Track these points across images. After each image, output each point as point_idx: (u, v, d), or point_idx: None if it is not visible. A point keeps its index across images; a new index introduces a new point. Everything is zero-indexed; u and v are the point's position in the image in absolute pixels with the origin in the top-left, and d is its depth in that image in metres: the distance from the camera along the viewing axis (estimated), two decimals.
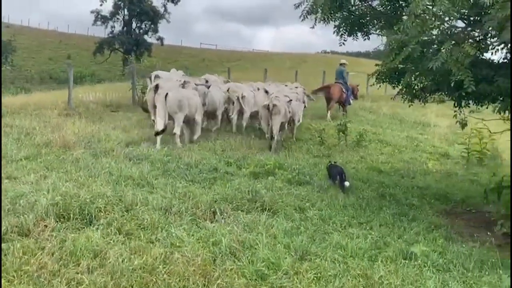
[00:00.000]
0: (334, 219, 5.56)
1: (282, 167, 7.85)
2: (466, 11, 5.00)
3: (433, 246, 4.81)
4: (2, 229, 4.24)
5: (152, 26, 44.37)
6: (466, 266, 4.37)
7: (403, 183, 8.09)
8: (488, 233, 5.57)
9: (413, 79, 6.03)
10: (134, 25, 44.28)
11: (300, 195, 6.50)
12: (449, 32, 5.21)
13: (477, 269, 4.31)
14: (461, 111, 6.60)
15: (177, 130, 9.09)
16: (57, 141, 7.89)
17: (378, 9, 7.27)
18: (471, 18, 5.34)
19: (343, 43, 7.49)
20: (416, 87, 6.86)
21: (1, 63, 36.58)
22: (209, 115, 11.04)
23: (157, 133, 8.82)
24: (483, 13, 4.80)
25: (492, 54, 5.29)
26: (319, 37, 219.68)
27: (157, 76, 12.03)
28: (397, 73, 7.19)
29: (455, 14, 4.74)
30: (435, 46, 5.33)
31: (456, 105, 6.57)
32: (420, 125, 17.72)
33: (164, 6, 44.32)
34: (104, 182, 6.05)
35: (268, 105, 9.57)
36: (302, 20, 7.52)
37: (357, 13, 7.21)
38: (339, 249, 4.57)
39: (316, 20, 7.59)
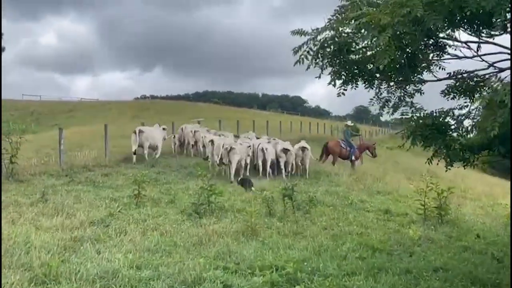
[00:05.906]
0: None
1: (302, 269, 5.99)
2: None
3: None
4: None
5: None
6: None
7: (423, 267, 6.83)
8: None
9: None
10: None
11: None
12: None
13: None
14: None
15: None
16: None
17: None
18: None
19: (343, 93, 6.37)
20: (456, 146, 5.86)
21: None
22: None
23: None
24: None
25: None
26: (136, 82, 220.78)
27: (141, 131, 14.91)
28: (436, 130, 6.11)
29: None
30: None
31: None
32: (323, 175, 16.91)
33: None
34: None
35: None
36: (308, 67, 6.17)
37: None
38: None
39: (322, 69, 6.32)
